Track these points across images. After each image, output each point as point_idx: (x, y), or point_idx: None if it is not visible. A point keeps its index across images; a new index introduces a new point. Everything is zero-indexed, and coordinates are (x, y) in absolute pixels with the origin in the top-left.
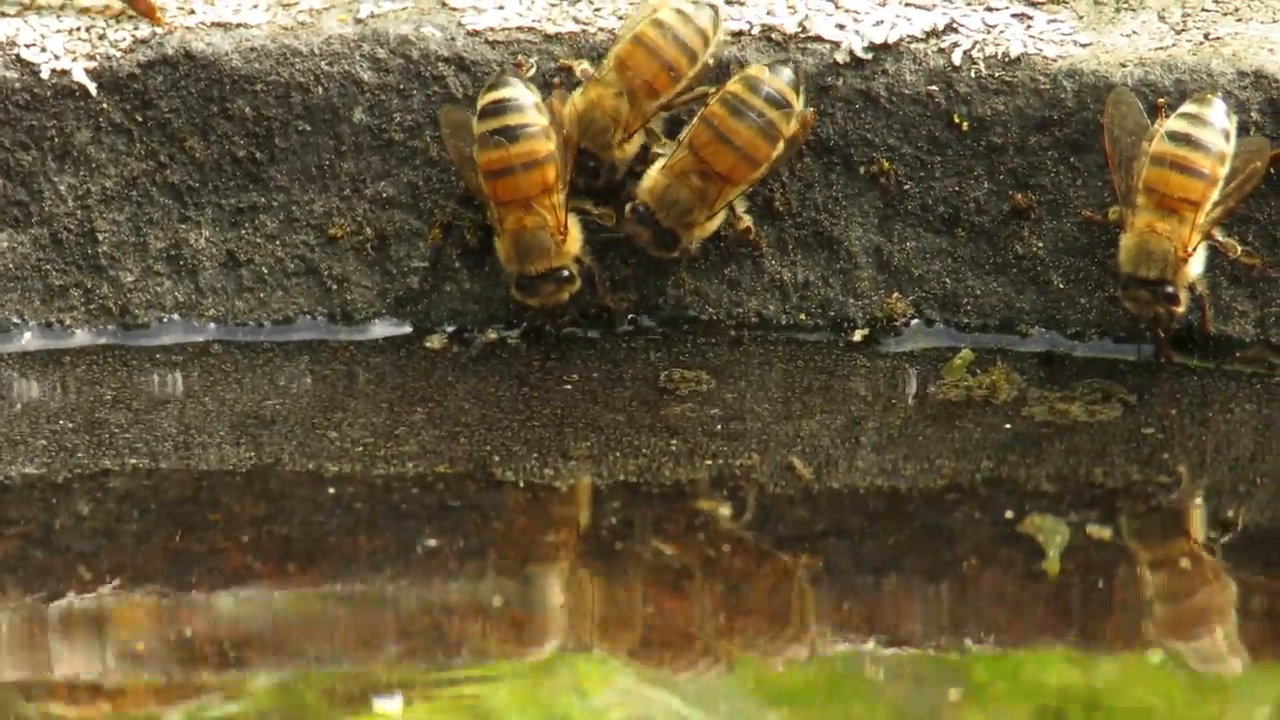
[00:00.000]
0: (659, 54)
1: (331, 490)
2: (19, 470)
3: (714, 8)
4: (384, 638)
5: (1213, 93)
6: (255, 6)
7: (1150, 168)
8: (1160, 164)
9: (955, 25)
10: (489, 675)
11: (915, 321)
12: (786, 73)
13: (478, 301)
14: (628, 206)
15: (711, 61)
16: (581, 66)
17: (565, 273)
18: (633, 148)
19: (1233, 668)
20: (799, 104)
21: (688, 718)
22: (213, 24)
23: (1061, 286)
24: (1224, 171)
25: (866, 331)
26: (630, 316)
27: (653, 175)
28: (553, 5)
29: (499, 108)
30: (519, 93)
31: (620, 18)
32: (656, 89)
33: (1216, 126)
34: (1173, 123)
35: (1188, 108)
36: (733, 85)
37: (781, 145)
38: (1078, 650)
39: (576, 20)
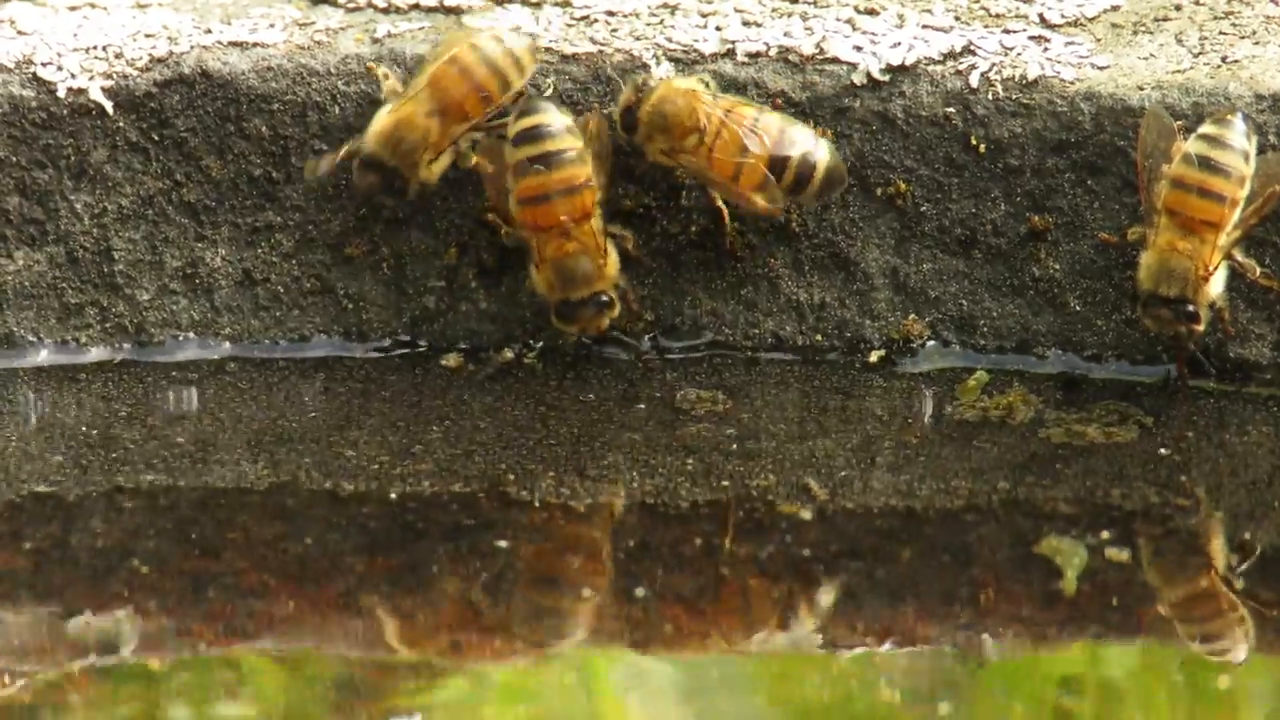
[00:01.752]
0: (472, 76)
1: (347, 508)
2: (33, 486)
3: (531, 36)
4: (400, 656)
5: (1232, 112)
6: (272, 26)
7: (1170, 190)
8: (1180, 187)
9: (973, 47)
10: (506, 694)
11: (931, 343)
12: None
13: (493, 321)
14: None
15: (524, 89)
16: (389, 83)
17: (605, 297)
18: (439, 168)
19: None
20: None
21: None
22: (229, 43)
23: (1079, 309)
24: (1244, 193)
25: (883, 352)
26: (647, 337)
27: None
28: (569, 26)
29: (535, 134)
30: (553, 117)
31: (638, 38)
32: (467, 111)
33: (1236, 149)
34: (1192, 144)
35: (1207, 128)
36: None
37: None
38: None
39: (593, 41)
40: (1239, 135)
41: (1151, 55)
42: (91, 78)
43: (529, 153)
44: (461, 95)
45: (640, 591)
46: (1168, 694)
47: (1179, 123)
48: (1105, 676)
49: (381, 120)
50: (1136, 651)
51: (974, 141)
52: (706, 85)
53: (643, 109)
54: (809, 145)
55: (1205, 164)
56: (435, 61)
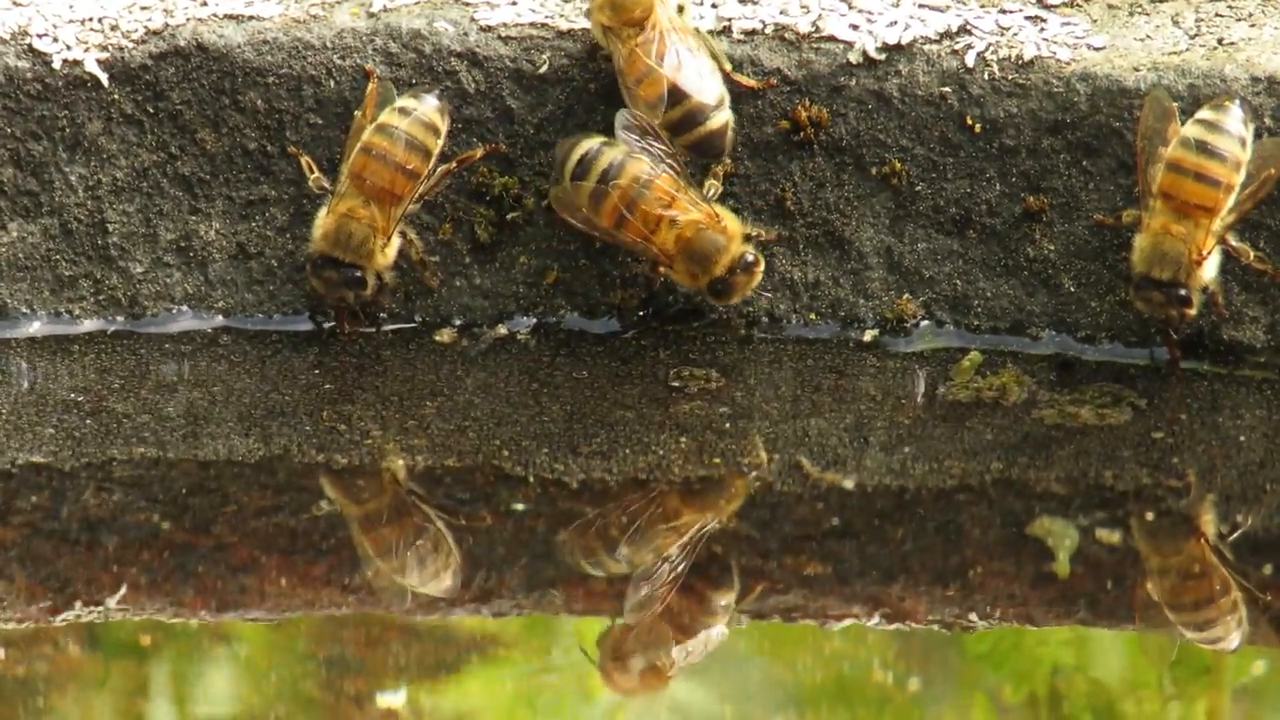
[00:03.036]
0: (390, 159)
1: (340, 482)
2: (25, 457)
3: (438, 96)
4: (390, 632)
5: (1231, 98)
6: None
7: (1166, 173)
8: (1176, 170)
9: (969, 27)
10: (496, 670)
11: (925, 322)
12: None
13: (487, 296)
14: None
15: (445, 148)
16: (314, 176)
17: (750, 256)
18: (392, 250)
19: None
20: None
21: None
22: (225, 16)
23: (1073, 290)
24: (1240, 179)
25: (876, 332)
26: (640, 313)
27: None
28: (565, 1)
29: (585, 163)
30: (592, 142)
31: None
32: (397, 194)
33: (1233, 134)
34: (1190, 129)
35: (1205, 114)
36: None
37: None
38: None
39: (588, 17)
40: (1236, 121)
41: (1148, 36)
42: (87, 50)
43: (592, 182)
44: (387, 181)
45: (633, 568)
46: (1157, 677)
47: (1176, 104)
48: (1095, 658)
49: (324, 222)
50: (1128, 634)
51: (969, 121)
52: (681, 10)
53: None
54: (716, 104)
55: (1201, 148)
56: (350, 155)
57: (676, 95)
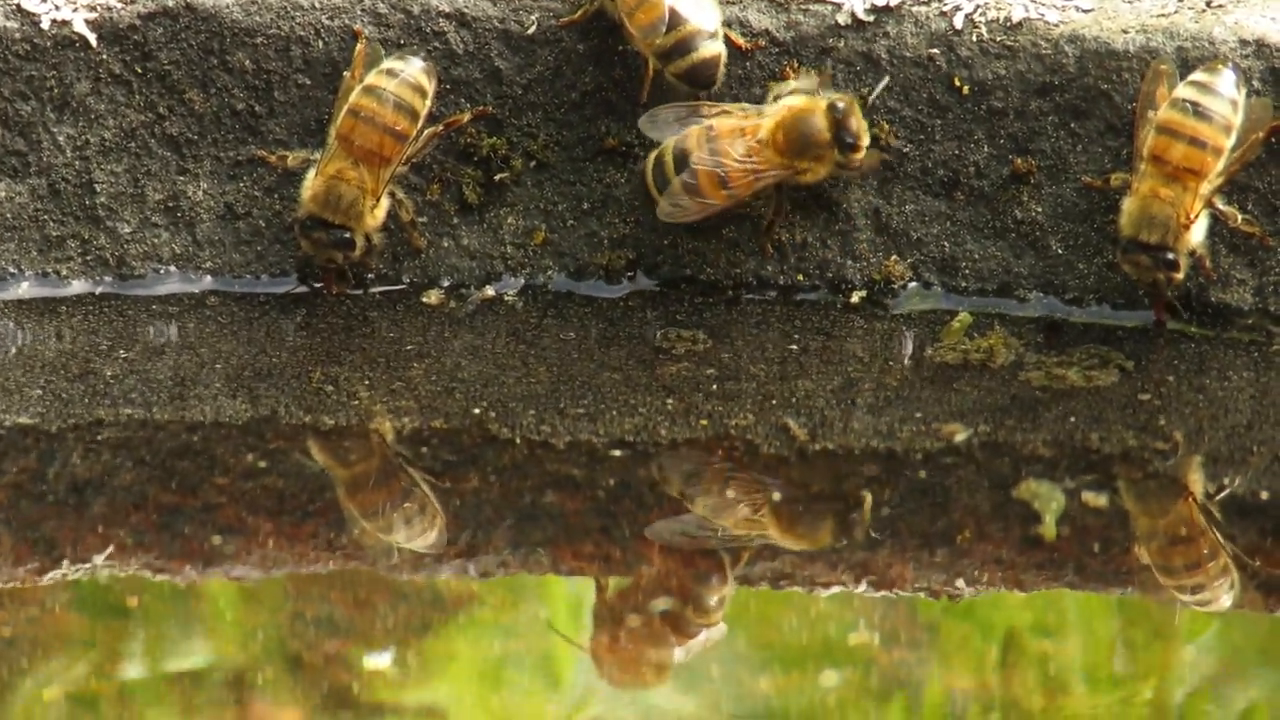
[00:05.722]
0: (378, 121)
1: (327, 444)
2: (13, 419)
3: (425, 57)
4: (377, 594)
5: (1223, 62)
6: None
7: (1156, 135)
8: (1165, 133)
9: None
10: (480, 630)
11: (913, 284)
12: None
13: (474, 258)
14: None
15: (433, 109)
16: (294, 156)
17: (839, 104)
18: (381, 212)
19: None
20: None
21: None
22: None
23: (1060, 252)
24: (1229, 143)
25: (864, 293)
26: (628, 275)
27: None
28: None
29: (661, 171)
30: (649, 156)
31: None
32: (386, 155)
33: (1225, 97)
34: (1181, 91)
35: (1197, 76)
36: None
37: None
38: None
39: None
40: (1227, 84)
41: None
42: (75, 10)
43: (677, 177)
44: (375, 143)
45: (619, 530)
46: (1143, 639)
47: (1164, 66)
48: (1079, 620)
49: (313, 184)
50: (1114, 596)
51: (957, 83)
52: None
53: None
54: (712, 33)
55: (1191, 110)
56: (337, 116)
57: (674, 20)
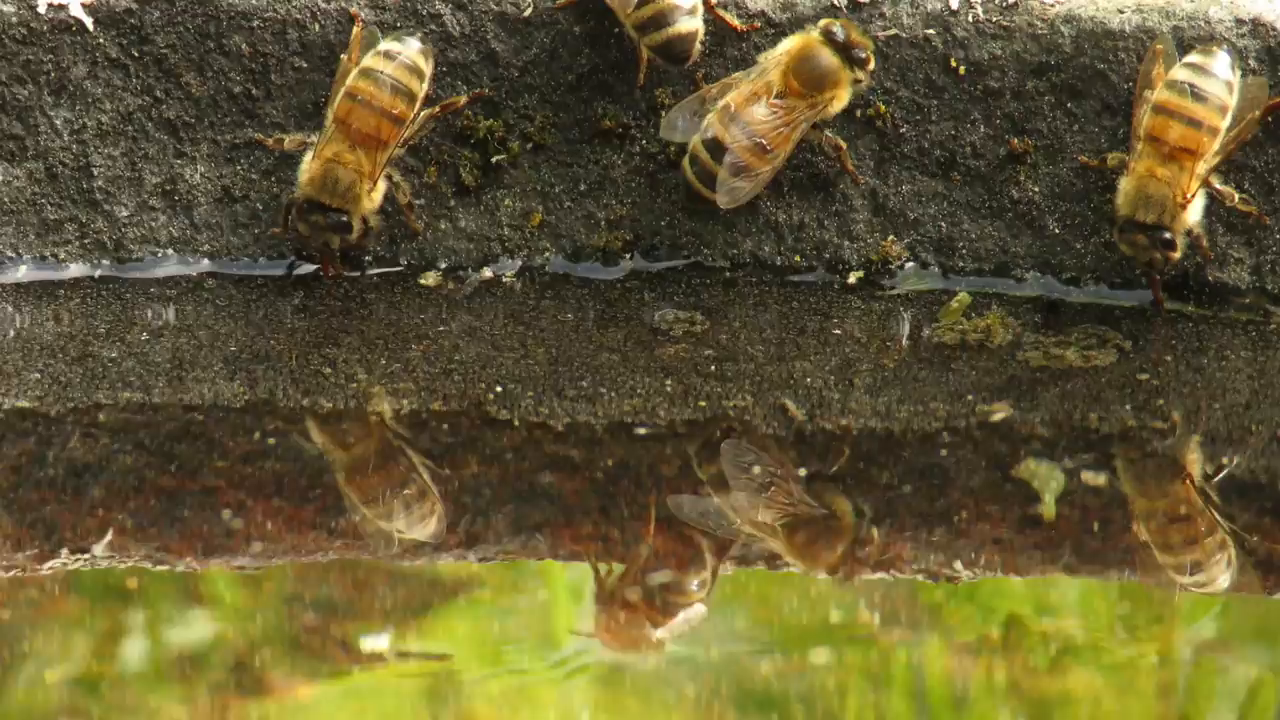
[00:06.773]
0: (375, 104)
1: (325, 426)
2: (11, 402)
3: (422, 39)
4: (375, 576)
5: (1220, 43)
6: None
7: (1152, 116)
8: (1161, 113)
9: None
10: (479, 611)
11: (910, 264)
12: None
13: (472, 239)
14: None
15: (430, 92)
16: (293, 136)
17: (833, 29)
18: (378, 195)
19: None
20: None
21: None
22: None
23: (1057, 231)
24: (1225, 123)
25: (861, 274)
26: (626, 256)
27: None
28: None
29: (702, 169)
30: (685, 161)
31: None
32: (383, 138)
33: (1220, 78)
34: (1177, 71)
35: (1193, 58)
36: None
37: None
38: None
39: None
40: (1222, 66)
41: None
42: None
43: (720, 164)
44: (372, 127)
45: (618, 511)
46: (1144, 619)
47: (1160, 46)
48: (1079, 600)
49: (309, 167)
50: (1113, 576)
51: (954, 63)
52: None
53: None
54: (689, 10)
55: (1187, 91)
56: (335, 99)
57: None
